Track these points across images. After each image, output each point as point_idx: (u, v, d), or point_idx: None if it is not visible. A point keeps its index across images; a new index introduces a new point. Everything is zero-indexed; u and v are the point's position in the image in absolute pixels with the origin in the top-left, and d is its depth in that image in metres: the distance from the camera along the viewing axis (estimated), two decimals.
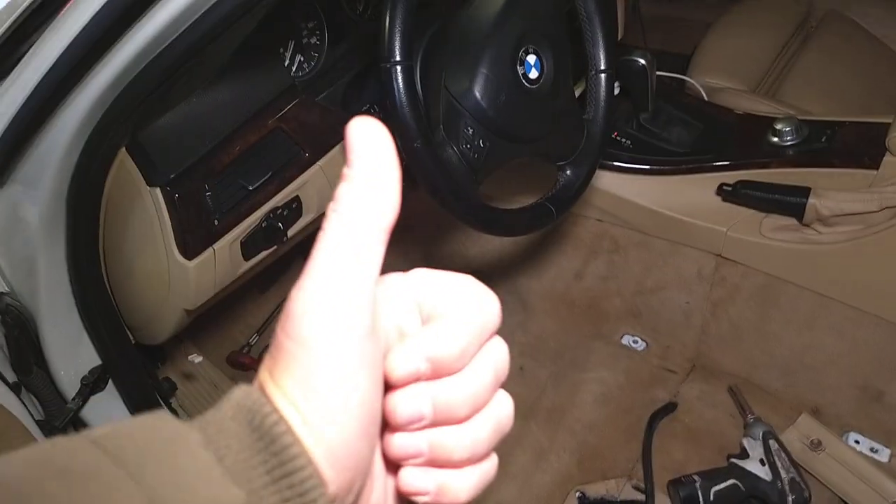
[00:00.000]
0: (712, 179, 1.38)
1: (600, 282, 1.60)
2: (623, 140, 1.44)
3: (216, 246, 0.96)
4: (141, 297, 1.04)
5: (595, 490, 1.31)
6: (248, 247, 0.99)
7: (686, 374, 1.47)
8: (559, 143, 1.05)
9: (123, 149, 0.91)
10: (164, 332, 1.05)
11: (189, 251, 0.94)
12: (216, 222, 0.95)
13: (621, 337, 1.55)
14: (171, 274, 0.96)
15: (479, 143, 0.94)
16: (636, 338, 1.55)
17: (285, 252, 1.59)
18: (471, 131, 0.94)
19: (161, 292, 0.99)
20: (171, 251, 0.94)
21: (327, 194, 1.09)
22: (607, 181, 1.47)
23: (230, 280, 1.00)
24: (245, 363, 1.64)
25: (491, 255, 1.73)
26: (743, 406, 1.39)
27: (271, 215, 1.00)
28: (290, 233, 1.03)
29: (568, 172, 1.07)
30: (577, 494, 1.31)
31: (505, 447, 1.42)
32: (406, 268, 0.37)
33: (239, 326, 1.74)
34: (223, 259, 0.97)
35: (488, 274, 1.73)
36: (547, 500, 1.29)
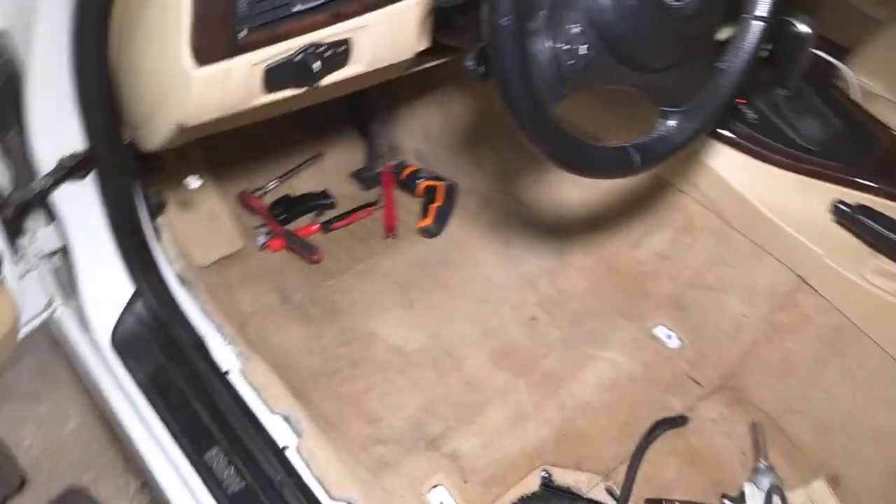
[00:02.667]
0: (830, 192, 1.16)
1: (655, 258, 1.40)
2: (748, 113, 1.21)
3: (234, 62, 0.79)
4: (140, 92, 0.88)
5: (563, 477, 1.16)
6: (272, 77, 0.81)
7: (711, 392, 1.29)
8: (676, 84, 0.84)
9: None
10: (155, 140, 0.90)
11: (201, 56, 0.77)
12: (243, 33, 0.77)
13: (655, 326, 1.37)
14: (175, 77, 0.79)
15: (581, 48, 0.74)
16: (671, 333, 1.36)
17: (330, 104, 1.41)
18: (577, 30, 0.73)
19: (160, 93, 0.83)
20: (181, 50, 0.77)
21: (384, 53, 0.90)
22: (707, 151, 1.25)
23: (240, 108, 0.83)
24: (253, 206, 1.50)
25: (543, 184, 1.53)
26: (760, 448, 1.21)
27: (311, 50, 0.82)
28: (325, 80, 0.85)
29: (671, 123, 0.87)
30: (543, 473, 1.16)
31: (484, 395, 1.28)
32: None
33: (264, 166, 1.59)
34: (238, 80, 0.80)
35: (530, 205, 1.54)
36: (508, 467, 1.15)
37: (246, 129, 1.52)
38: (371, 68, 0.88)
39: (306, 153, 1.61)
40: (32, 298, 1.14)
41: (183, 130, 0.84)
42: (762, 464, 1.18)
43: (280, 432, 1.06)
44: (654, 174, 1.38)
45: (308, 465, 1.03)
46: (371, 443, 1.17)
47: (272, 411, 1.05)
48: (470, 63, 0.74)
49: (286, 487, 1.00)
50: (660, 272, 1.40)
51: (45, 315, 1.19)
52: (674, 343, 1.35)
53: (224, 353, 1.12)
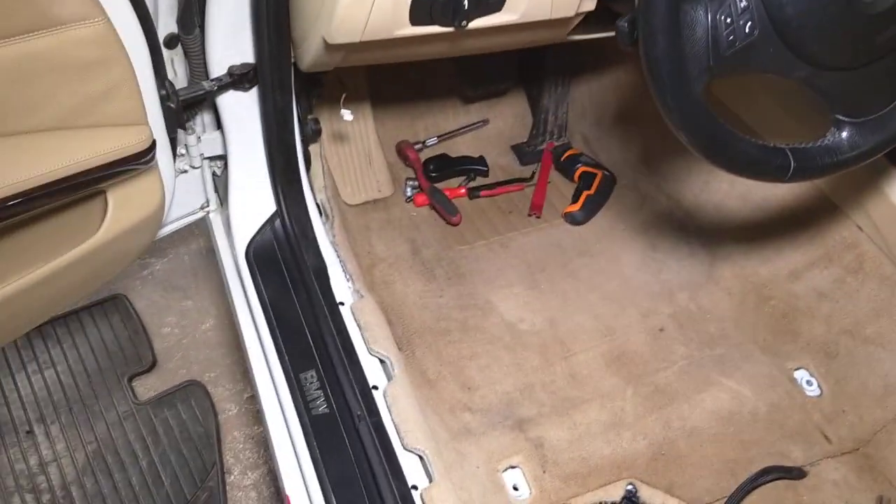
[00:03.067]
0: None
1: (814, 295, 1.27)
2: None
3: None
4: (302, 7, 0.91)
5: (650, 496, 1.08)
6: (418, 9, 0.81)
7: (841, 452, 1.15)
8: (856, 89, 0.74)
9: None
10: (307, 58, 0.93)
11: None
12: None
13: (796, 369, 1.24)
14: None
15: (745, 25, 0.67)
16: (812, 379, 1.22)
17: (504, 72, 1.38)
18: (743, 5, 0.66)
19: (315, 8, 0.86)
20: None
21: (542, 4, 0.86)
22: (889, 179, 1.11)
23: (384, 35, 0.84)
24: (409, 156, 1.52)
25: (706, 192, 1.43)
26: None
27: None
28: (474, 23, 0.83)
29: (845, 134, 0.77)
30: (629, 486, 1.09)
31: (586, 392, 1.22)
32: None
33: (427, 120, 1.61)
34: (384, 5, 0.80)
35: (687, 209, 1.44)
36: (592, 469, 1.09)
37: (415, 81, 1.56)
38: (526, 20, 0.85)
39: (472, 116, 1.61)
40: (189, 195, 1.23)
41: (331, 51, 0.86)
42: None
43: (373, 372, 1.08)
44: (829, 200, 1.24)
45: (390, 410, 1.04)
46: (460, 408, 1.15)
47: (370, 351, 1.07)
48: (623, 23, 0.69)
49: (363, 423, 1.02)
50: (815, 312, 1.26)
51: (199, 214, 1.27)
52: (813, 391, 1.22)
53: (342, 287, 1.15)
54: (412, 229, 1.43)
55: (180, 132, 1.11)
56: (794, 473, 1.12)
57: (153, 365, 1.53)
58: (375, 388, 1.08)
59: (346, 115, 1.10)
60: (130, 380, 1.50)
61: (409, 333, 1.25)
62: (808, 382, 1.23)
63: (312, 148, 1.26)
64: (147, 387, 1.51)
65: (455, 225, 1.44)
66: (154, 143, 0.88)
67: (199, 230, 1.68)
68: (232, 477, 1.41)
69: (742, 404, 1.18)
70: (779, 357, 1.25)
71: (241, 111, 1.12)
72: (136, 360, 1.52)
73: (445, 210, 1.43)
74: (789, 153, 0.75)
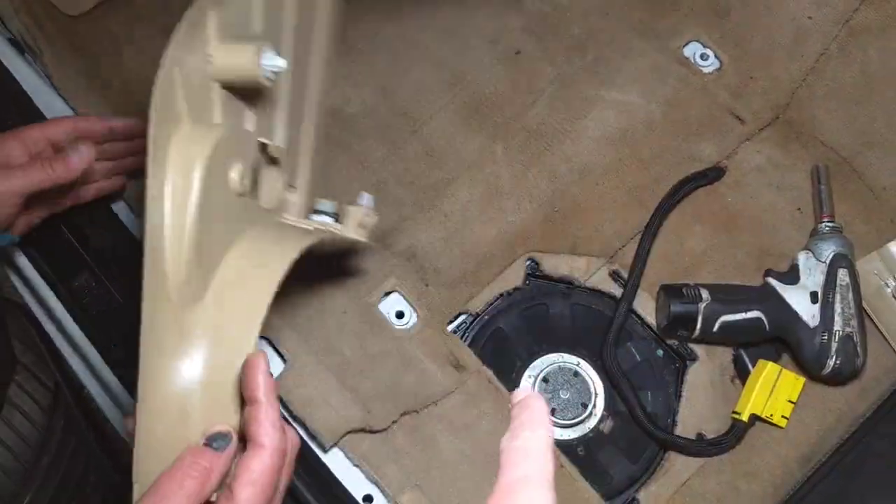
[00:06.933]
0: None
1: None
2: None
3: None
4: None
5: (554, 264, 0.89)
6: None
7: (759, 129, 0.95)
8: None
9: None
10: None
11: None
12: None
13: (685, 44, 0.99)
14: None
15: None
16: (708, 51, 0.99)
17: None
18: None
19: None
20: None
21: None
22: None
23: None
24: None
25: None
26: (823, 200, 0.90)
27: None
28: None
29: None
30: (528, 262, 0.90)
31: (447, 171, 0.97)
32: None
33: None
34: None
35: None
36: (480, 261, 0.89)
37: None
38: None
39: None
40: None
41: None
42: (825, 224, 0.88)
43: None
44: None
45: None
46: None
47: None
48: None
49: None
50: None
51: None
52: (710, 65, 0.99)
53: None
54: None
55: None
56: (711, 175, 0.92)
57: None
58: None
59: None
60: None
61: None
62: (703, 56, 0.99)
63: None
64: None
65: None
66: None
67: None
68: None
69: (633, 115, 0.95)
70: (661, 38, 1.00)
71: None
72: None
73: None
74: None
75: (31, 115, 0.87)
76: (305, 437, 0.75)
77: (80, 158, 0.72)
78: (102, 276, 0.81)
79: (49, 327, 0.86)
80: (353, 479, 0.75)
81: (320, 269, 0.86)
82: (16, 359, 0.79)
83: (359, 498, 0.74)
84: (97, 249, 0.83)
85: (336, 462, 0.75)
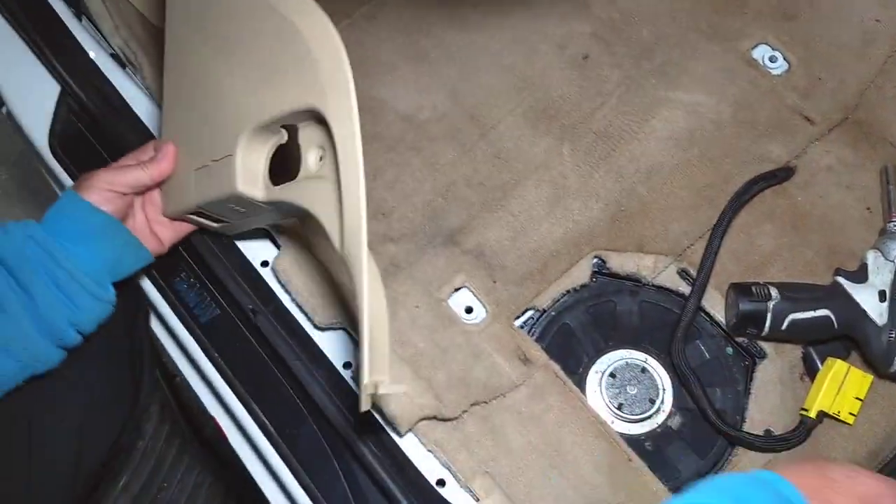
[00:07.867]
0: None
1: None
2: None
3: None
4: None
5: (621, 262, 0.91)
6: None
7: (828, 129, 0.95)
8: None
9: None
10: None
11: None
12: None
13: (754, 47, 1.00)
14: None
15: None
16: (776, 53, 0.99)
17: None
18: None
19: None
20: None
21: None
22: None
23: None
24: None
25: None
26: (891, 200, 0.90)
27: None
28: None
29: None
30: (595, 260, 0.92)
31: (514, 173, 0.99)
32: None
33: None
34: None
35: None
36: (547, 259, 0.91)
37: None
38: None
39: None
40: None
41: None
42: (894, 223, 0.87)
43: (257, 247, 0.88)
44: None
45: (286, 288, 0.84)
46: (380, 242, 0.94)
47: None
48: None
49: (261, 317, 0.82)
50: None
51: None
52: (779, 67, 0.99)
53: None
54: None
55: None
56: (781, 175, 0.93)
57: None
58: (265, 263, 0.88)
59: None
60: None
61: None
62: (772, 59, 1.00)
63: None
64: None
65: None
66: None
67: None
68: None
69: (701, 116, 0.97)
70: (729, 39, 1.01)
71: None
72: None
73: None
74: None
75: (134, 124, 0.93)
76: (382, 423, 0.78)
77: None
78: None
79: None
80: (427, 464, 0.78)
81: (392, 266, 0.90)
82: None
83: (433, 482, 0.77)
84: None
85: (411, 447, 0.78)
